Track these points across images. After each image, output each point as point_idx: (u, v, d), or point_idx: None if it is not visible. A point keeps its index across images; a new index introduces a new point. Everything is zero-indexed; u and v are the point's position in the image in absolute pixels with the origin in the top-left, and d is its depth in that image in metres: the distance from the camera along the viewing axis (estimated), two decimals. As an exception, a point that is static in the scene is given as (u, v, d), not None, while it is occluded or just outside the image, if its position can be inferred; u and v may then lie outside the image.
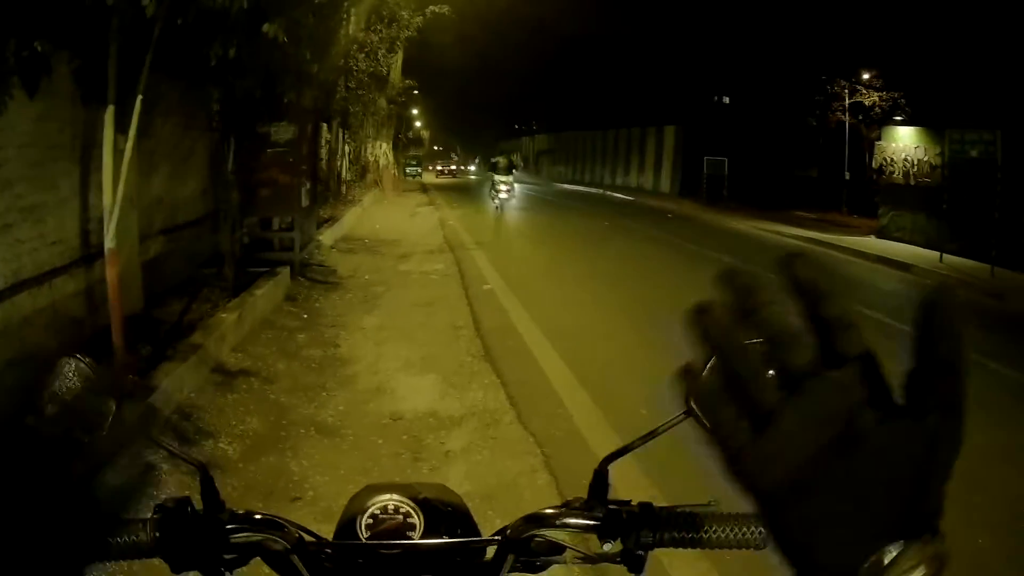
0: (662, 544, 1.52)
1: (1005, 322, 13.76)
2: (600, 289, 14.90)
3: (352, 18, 18.02)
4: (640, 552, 1.53)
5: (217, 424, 7.08)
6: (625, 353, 10.25)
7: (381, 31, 24.06)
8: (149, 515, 1.54)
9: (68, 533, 1.46)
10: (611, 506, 1.56)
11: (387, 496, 1.76)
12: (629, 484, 5.66)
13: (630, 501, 1.58)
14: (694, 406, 1.66)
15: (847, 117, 34.28)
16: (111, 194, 6.71)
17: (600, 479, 1.59)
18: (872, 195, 28.58)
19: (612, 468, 1.62)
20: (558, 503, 4.74)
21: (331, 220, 20.78)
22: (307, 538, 1.63)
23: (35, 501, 0.77)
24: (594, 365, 9.57)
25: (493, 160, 33.68)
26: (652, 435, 1.60)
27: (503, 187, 31.01)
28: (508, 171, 31.54)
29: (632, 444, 1.61)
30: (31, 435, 0.78)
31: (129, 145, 6.84)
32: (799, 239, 25.12)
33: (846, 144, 33.46)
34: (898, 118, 32.44)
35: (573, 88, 72.70)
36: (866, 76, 34.46)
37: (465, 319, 11.67)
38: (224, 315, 9.47)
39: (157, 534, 1.50)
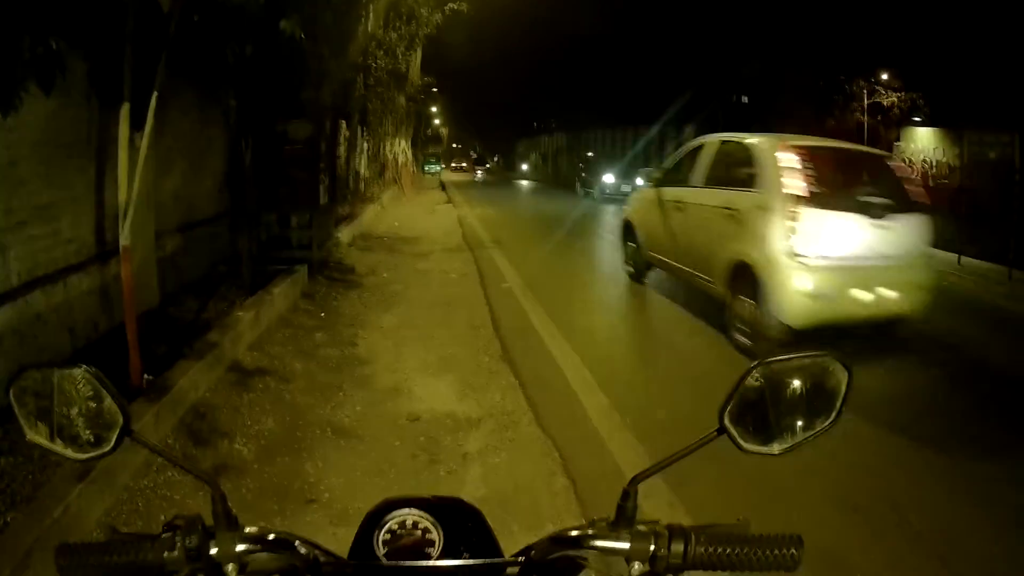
0: (691, 567, 1.47)
1: (1022, 324, 13.66)
2: (620, 289, 14.83)
3: (371, 15, 17.97)
4: (669, 575, 1.48)
5: (232, 424, 7.04)
6: (643, 354, 10.19)
7: (400, 28, 24.04)
8: (158, 533, 1.48)
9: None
10: (639, 527, 1.51)
11: (405, 511, 1.72)
12: (653, 500, 5.61)
13: (658, 521, 1.52)
14: (728, 424, 1.60)
15: (866, 118, 34.18)
16: (126, 191, 6.66)
17: (627, 499, 1.53)
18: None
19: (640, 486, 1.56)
20: (576, 507, 4.70)
21: (349, 218, 20.81)
22: (322, 557, 1.57)
23: None
24: (612, 366, 9.51)
25: (480, 155, 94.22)
26: (682, 454, 1.55)
27: (480, 171, 79.68)
28: (484, 163, 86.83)
29: (660, 463, 1.56)
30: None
31: (145, 142, 6.80)
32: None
33: (865, 145, 33.37)
34: (917, 119, 32.33)
35: (591, 87, 72.65)
36: (885, 76, 34.34)
37: (483, 318, 11.64)
38: (241, 313, 9.43)
39: (166, 553, 1.45)
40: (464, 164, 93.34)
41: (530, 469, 6.44)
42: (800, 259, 9.61)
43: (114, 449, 1.57)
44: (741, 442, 1.57)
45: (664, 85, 56.04)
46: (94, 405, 1.58)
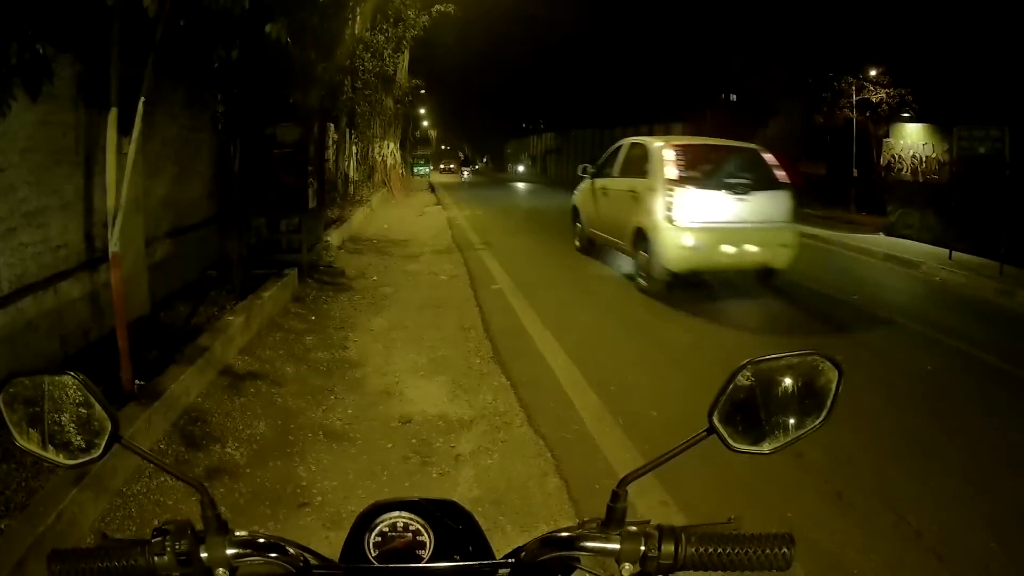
0: (682, 567, 1.47)
1: (1014, 320, 13.67)
2: (611, 289, 14.82)
3: (357, 18, 17.94)
4: (659, 575, 1.48)
5: (224, 428, 7.04)
6: (635, 355, 10.19)
7: (387, 30, 24.03)
8: (149, 538, 1.48)
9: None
10: (629, 527, 1.51)
11: (396, 513, 1.71)
12: (644, 495, 5.61)
13: (649, 522, 1.52)
14: (717, 423, 1.61)
15: (854, 114, 34.08)
16: (114, 197, 6.65)
17: (617, 499, 1.54)
18: (880, 192, 28.43)
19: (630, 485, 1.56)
20: (569, 508, 4.69)
21: (339, 220, 20.76)
22: (312, 561, 1.57)
23: None
24: (603, 366, 9.51)
25: (467, 157, 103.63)
26: (672, 454, 1.55)
27: (466, 172, 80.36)
28: (471, 164, 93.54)
29: (650, 464, 1.56)
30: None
31: (132, 148, 6.79)
32: (806, 236, 24.77)
33: (854, 141, 33.25)
34: (906, 115, 32.30)
35: (580, 86, 72.33)
36: (873, 73, 34.24)
37: (474, 320, 11.64)
38: (231, 318, 9.43)
39: (156, 558, 1.45)
40: (452, 165, 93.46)
41: (523, 470, 6.45)
42: (676, 223, 13.42)
43: (104, 455, 1.58)
44: (731, 441, 1.56)
45: (653, 84, 56.07)
46: (83, 412, 1.58)
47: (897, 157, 27.75)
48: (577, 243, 19.60)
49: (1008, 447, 7.39)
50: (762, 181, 14.05)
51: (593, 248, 18.48)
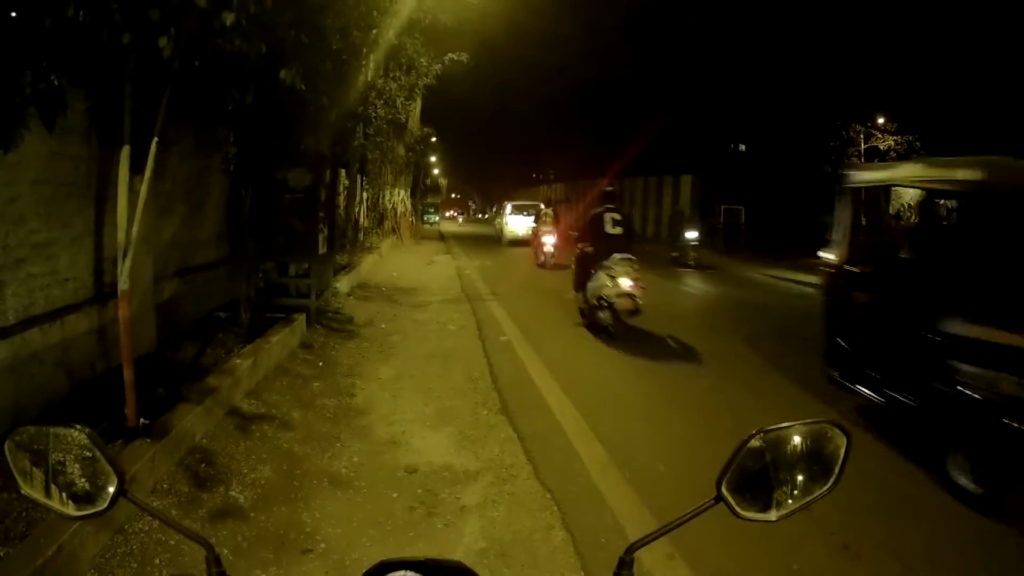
0: None
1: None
2: (617, 340, 14.74)
3: (371, 65, 18.04)
4: None
5: (229, 470, 7.00)
6: (642, 408, 10.14)
7: (400, 78, 24.14)
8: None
9: None
10: None
11: (401, 573, 1.67)
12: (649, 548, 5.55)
13: None
14: (725, 492, 1.57)
15: (862, 162, 34.24)
16: (125, 234, 6.63)
17: (623, 567, 1.51)
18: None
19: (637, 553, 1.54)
20: (575, 562, 4.64)
21: (348, 267, 20.78)
22: None
23: None
24: (611, 419, 9.46)
25: (464, 209, 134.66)
26: (680, 522, 1.54)
27: (460, 218, 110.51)
28: (466, 213, 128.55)
29: (658, 531, 1.55)
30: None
31: (144, 186, 6.78)
32: (813, 286, 24.60)
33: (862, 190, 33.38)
34: (913, 162, 32.48)
35: (590, 137, 72.71)
36: (880, 120, 34.44)
37: (482, 371, 11.57)
38: (238, 360, 9.39)
39: None
40: (454, 213, 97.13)
41: (528, 523, 6.39)
42: (508, 225, 44.57)
43: (108, 508, 1.55)
44: (738, 509, 1.55)
45: (663, 135, 56.27)
46: (89, 463, 1.57)
47: (907, 205, 27.69)
48: (499, 240, 44.64)
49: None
50: (534, 212, 36.82)
51: (500, 241, 43.98)
